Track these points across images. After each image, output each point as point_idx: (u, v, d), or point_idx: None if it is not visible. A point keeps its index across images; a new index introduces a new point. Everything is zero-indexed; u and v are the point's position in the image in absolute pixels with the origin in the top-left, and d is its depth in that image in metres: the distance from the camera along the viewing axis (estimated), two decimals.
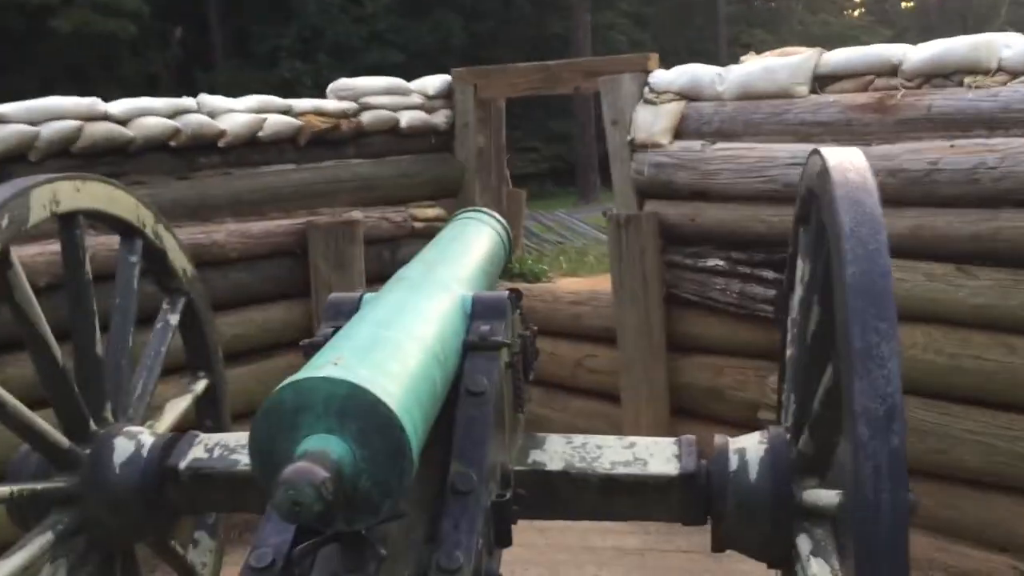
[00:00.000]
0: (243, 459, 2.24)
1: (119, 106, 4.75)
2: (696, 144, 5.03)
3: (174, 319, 2.86)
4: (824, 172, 1.85)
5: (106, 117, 4.68)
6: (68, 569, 2.24)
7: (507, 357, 2.10)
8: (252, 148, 5.20)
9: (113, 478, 2.28)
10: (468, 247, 2.55)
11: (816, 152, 2.01)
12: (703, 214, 4.97)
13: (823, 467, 2.04)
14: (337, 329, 1.99)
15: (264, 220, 5.12)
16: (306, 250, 5.10)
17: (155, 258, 2.79)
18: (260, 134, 5.19)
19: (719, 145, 4.94)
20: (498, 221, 2.84)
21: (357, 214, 5.36)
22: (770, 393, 4.66)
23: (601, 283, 6.48)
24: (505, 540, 1.89)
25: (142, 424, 2.56)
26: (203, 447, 2.32)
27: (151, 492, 2.27)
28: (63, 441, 2.29)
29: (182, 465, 2.27)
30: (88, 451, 2.32)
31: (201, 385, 3.03)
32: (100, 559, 2.35)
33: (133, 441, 2.35)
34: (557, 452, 2.20)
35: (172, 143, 4.87)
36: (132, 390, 2.61)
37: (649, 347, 5.05)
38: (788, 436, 2.13)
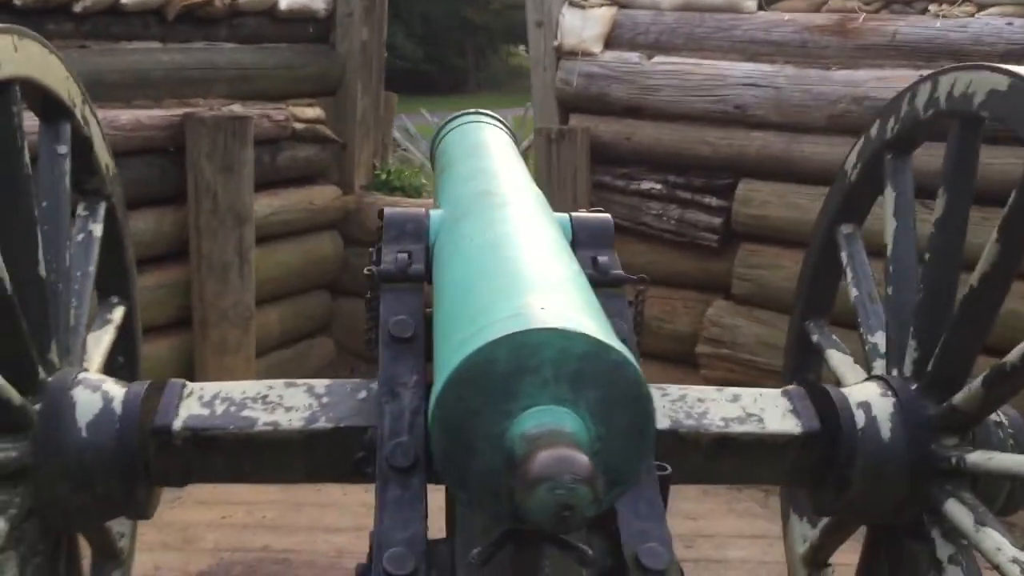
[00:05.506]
0: (261, 417, 1.80)
1: None
2: (632, 56, 4.68)
3: (98, 229, 2.31)
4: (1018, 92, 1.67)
5: None
6: (20, 565, 1.72)
7: (630, 295, 1.81)
8: (113, 17, 4.30)
9: (78, 442, 1.75)
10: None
11: (984, 67, 1.84)
12: (639, 132, 4.62)
13: (971, 426, 1.85)
14: (411, 255, 1.71)
15: (131, 108, 4.22)
16: (182, 148, 4.35)
17: (79, 150, 2.20)
18: (123, 0, 4.23)
19: (660, 59, 4.61)
20: (506, 127, 2.44)
21: (238, 108, 4.56)
22: (709, 326, 4.44)
23: None
24: None
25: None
26: (198, 400, 1.83)
27: (131, 460, 1.76)
28: (14, 396, 1.70)
29: (177, 424, 1.77)
30: (39, 407, 1.76)
31: (119, 313, 2.49)
32: (49, 548, 1.84)
33: (98, 393, 1.82)
34: (656, 407, 1.86)
35: (17, 2, 3.89)
36: (69, 324, 2.05)
37: None
38: (916, 388, 1.91)
